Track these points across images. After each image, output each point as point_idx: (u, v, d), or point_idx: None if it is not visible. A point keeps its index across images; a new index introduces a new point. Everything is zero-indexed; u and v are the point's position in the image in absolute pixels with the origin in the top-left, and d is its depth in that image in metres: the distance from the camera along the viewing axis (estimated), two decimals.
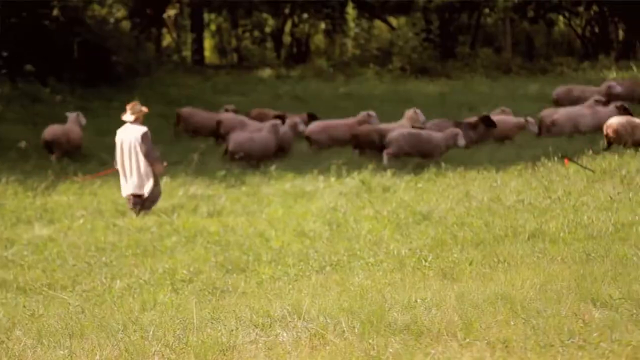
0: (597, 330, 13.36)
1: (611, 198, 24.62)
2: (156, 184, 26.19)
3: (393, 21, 54.27)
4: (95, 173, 30.19)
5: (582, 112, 36.22)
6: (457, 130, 32.31)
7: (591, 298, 15.12)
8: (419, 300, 15.81)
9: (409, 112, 36.50)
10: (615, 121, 31.52)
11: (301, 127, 35.06)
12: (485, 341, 13.33)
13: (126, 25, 54.48)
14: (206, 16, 56.62)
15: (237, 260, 20.88)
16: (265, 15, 56.39)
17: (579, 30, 56.49)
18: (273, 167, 29.44)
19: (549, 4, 53.56)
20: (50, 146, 34.97)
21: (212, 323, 15.51)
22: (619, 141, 30.84)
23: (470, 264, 19.07)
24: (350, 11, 51.58)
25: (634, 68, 46.41)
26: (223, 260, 20.91)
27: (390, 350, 13.25)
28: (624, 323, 13.65)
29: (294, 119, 36.19)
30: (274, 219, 24.61)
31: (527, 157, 29.99)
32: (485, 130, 34.01)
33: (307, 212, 25.11)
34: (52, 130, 35.33)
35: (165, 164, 26.86)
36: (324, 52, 54.78)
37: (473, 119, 34.88)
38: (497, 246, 20.58)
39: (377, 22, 54.89)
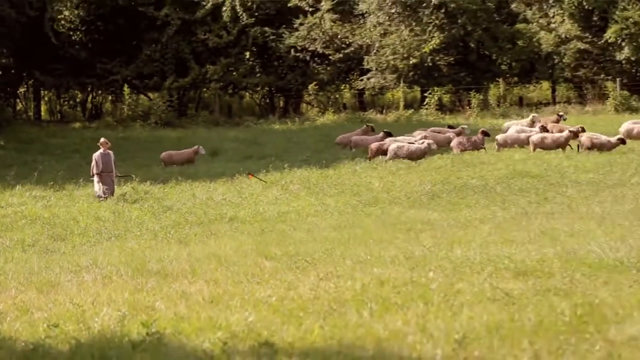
0: (267, 273, 13.73)
1: (276, 197, 25.03)
2: (105, 186, 26.46)
3: (151, 94, 53.60)
4: None
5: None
6: (430, 141, 31.05)
7: (264, 255, 15.43)
8: (165, 257, 15.94)
9: (531, 116, 36.48)
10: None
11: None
12: (204, 280, 13.55)
13: None
14: (42, 92, 55.34)
15: (60, 234, 20.72)
16: (76, 91, 55.42)
17: (258, 101, 56.81)
18: (81, 180, 28.84)
19: (240, 86, 53.74)
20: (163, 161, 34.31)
21: (45, 270, 15.54)
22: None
23: (195, 235, 19.27)
24: (126, 89, 50.68)
25: (289, 123, 46.89)
26: (52, 233, 20.78)
27: (149, 285, 13.43)
28: (283, 269, 14.01)
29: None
30: (81, 209, 24.23)
31: (228, 173, 30.01)
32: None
33: (100, 206, 24.80)
34: (165, 153, 34.87)
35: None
36: (110, 113, 53.79)
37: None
38: (210, 225, 20.77)
39: (141, 96, 54.23)
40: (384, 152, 31.67)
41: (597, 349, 9.11)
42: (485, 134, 32.41)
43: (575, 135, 30.84)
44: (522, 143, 31.75)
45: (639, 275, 12.11)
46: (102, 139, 27.30)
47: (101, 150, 26.58)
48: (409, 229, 17.96)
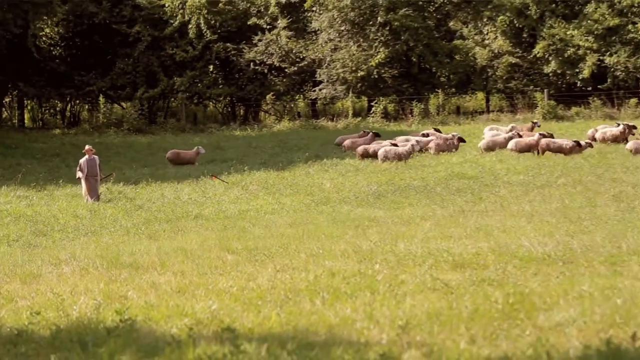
0: (229, 266, 13.74)
1: (237, 197, 24.96)
2: (88, 190, 25.73)
3: (124, 104, 53.18)
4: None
5: None
6: (413, 142, 31.28)
7: (227, 249, 15.42)
8: (136, 251, 15.85)
9: (510, 126, 35.84)
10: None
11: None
12: (172, 271, 13.52)
13: None
14: (26, 102, 54.86)
15: (41, 230, 20.55)
16: (56, 101, 54.88)
17: (220, 109, 56.53)
18: (61, 181, 28.57)
19: (205, 96, 53.37)
20: (170, 159, 34.21)
21: (28, 263, 15.44)
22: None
23: (164, 231, 19.19)
24: (101, 99, 50.42)
25: (248, 129, 46.70)
26: (35, 230, 20.60)
27: (122, 276, 13.37)
28: (243, 262, 14.01)
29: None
30: (61, 208, 24.04)
31: (193, 175, 29.89)
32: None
33: (77, 205, 24.58)
34: (171, 151, 34.89)
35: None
36: (87, 120, 53.39)
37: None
38: (178, 222, 20.69)
39: (115, 105, 53.78)
40: (370, 155, 31.91)
41: (527, 334, 9.20)
42: (461, 140, 33.08)
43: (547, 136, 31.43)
44: (502, 146, 32.01)
45: (565, 267, 12.26)
46: (87, 146, 26.94)
47: (86, 156, 26.28)
48: (357, 226, 18.02)
